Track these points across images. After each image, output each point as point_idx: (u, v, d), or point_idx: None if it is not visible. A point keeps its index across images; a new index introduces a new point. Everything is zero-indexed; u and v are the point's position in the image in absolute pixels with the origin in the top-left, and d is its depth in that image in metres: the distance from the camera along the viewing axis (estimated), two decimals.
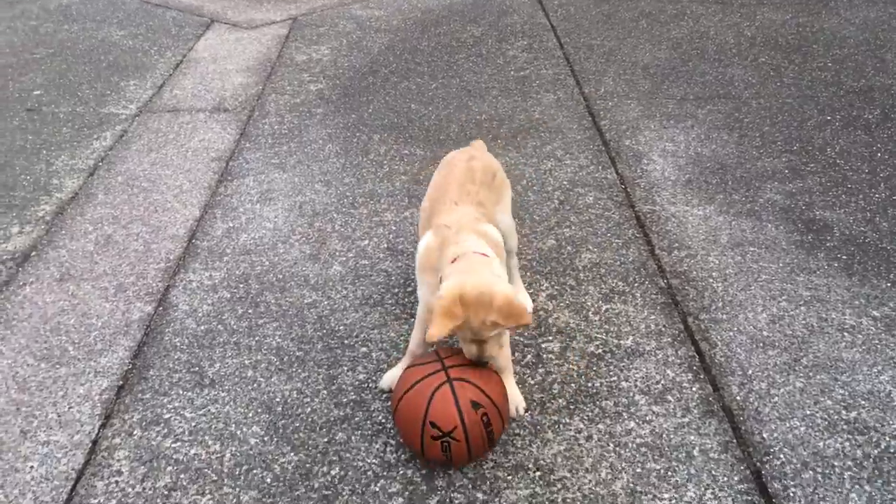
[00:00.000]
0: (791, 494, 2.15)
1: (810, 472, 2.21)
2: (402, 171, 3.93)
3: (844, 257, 3.12)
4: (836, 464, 2.23)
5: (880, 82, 4.71)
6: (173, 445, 2.38)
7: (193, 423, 2.46)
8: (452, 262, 2.12)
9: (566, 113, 4.50)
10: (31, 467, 2.32)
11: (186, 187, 3.82)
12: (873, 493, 2.13)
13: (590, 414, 2.44)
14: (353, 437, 2.39)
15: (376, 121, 4.49)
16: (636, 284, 3.03)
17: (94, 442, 2.40)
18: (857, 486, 2.16)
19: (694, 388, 2.52)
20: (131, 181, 3.88)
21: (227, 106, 4.73)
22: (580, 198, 3.63)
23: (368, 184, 3.82)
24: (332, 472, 2.28)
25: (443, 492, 2.20)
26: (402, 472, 2.27)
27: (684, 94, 4.68)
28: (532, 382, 2.57)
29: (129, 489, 2.24)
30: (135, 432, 2.43)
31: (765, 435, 2.34)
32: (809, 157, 3.89)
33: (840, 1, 6.22)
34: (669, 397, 2.49)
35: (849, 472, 2.20)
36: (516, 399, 2.43)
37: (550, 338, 2.77)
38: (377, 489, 2.22)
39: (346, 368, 2.66)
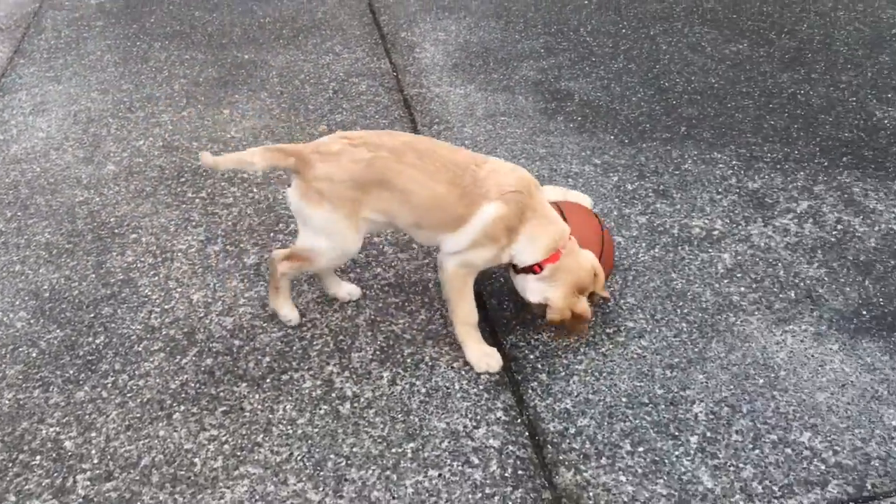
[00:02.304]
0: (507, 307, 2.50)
1: None
2: (182, 74, 3.98)
3: (579, 118, 3.51)
4: None
5: None
6: None
7: None
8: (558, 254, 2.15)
9: (348, 11, 4.65)
10: None
11: None
12: None
13: (344, 268, 2.70)
14: (118, 310, 2.55)
15: (158, 29, 4.48)
16: None
17: None
18: None
19: None
20: None
21: (1, 25, 4.56)
22: (353, 86, 3.83)
23: (147, 88, 3.86)
24: (97, 341, 2.43)
25: (202, 344, 2.41)
26: (164, 332, 2.46)
27: None
28: None
29: None
30: None
31: None
32: (563, 37, 4.25)
33: None
34: (413, 245, 2.79)
35: None
36: None
37: None
38: (140, 349, 2.40)
39: (115, 254, 2.79)
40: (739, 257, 2.68)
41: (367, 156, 2.12)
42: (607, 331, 2.40)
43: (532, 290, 2.20)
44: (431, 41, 4.26)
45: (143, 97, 3.79)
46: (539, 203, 2.16)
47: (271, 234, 2.87)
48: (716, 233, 2.79)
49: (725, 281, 2.59)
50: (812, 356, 2.30)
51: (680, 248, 2.73)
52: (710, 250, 2.72)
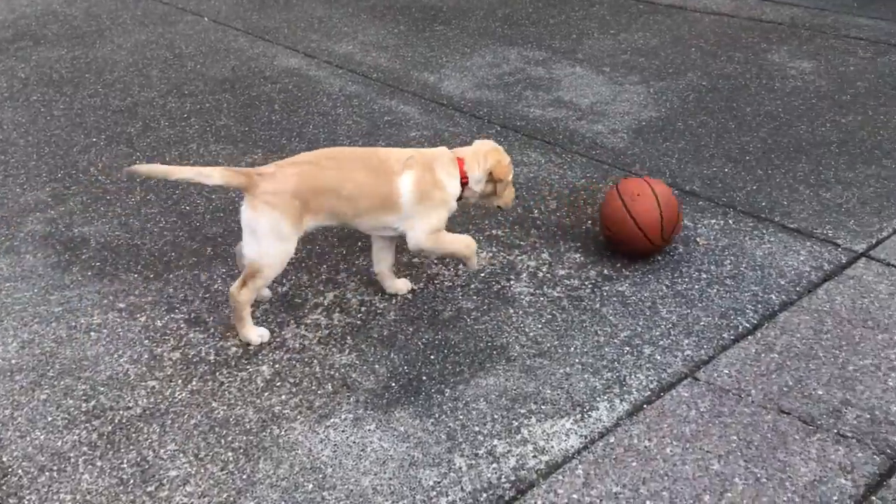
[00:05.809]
0: (27, 502, 2.18)
1: (47, 473, 2.28)
2: None
3: (98, 264, 3.30)
4: (72, 455, 2.34)
5: (144, 97, 5.11)
6: None
7: None
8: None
9: None
10: None
11: None
12: (104, 466, 2.30)
13: None
14: None
15: None
16: None
17: None
18: (89, 467, 2.30)
19: None
20: None
21: None
22: None
23: None
24: None
25: None
26: None
27: None
28: None
29: None
30: None
31: (5, 459, 2.33)
32: (73, 180, 4.01)
33: (114, 30, 6.55)
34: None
35: (83, 458, 2.34)
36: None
37: None
38: None
39: None
40: (277, 365, 2.71)
41: (296, 170, 2.64)
42: (148, 489, 2.23)
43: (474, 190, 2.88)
44: None
45: None
46: (423, 153, 2.81)
47: None
48: (251, 347, 2.79)
49: (266, 394, 2.59)
50: (354, 443, 2.38)
51: (218, 373, 2.68)
52: (249, 366, 2.71)
